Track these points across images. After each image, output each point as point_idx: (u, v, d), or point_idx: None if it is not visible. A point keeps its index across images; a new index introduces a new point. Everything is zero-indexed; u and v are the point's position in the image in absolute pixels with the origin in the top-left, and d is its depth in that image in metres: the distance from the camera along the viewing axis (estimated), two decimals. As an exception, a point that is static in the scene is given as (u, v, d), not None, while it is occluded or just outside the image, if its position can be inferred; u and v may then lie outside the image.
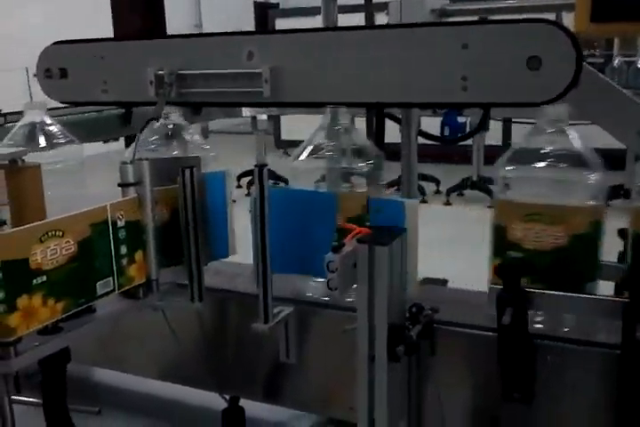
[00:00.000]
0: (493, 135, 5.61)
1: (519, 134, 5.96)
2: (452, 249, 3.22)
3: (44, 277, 1.11)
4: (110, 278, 1.27)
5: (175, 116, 1.67)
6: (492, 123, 5.27)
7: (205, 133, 5.10)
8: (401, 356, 1.13)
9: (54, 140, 1.75)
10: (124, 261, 1.30)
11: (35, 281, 1.09)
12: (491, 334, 1.21)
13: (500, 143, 6.12)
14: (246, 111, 4.86)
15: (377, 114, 1.52)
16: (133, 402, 1.76)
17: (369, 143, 1.53)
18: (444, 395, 1.24)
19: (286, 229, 1.34)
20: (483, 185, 5.13)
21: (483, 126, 1.46)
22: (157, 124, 1.63)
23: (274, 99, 1.39)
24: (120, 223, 1.29)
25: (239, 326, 1.47)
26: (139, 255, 1.34)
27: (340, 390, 1.43)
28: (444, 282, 1.53)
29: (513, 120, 5.38)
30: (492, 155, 5.81)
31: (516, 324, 1.12)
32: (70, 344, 1.25)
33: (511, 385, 1.19)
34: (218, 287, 1.53)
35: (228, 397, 1.59)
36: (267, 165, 1.25)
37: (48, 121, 1.78)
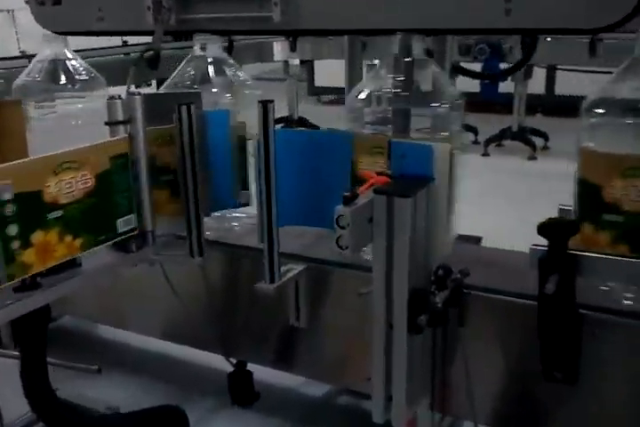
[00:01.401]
0: (536, 84, 5.31)
1: (564, 83, 5.66)
2: (487, 203, 3.01)
3: (60, 212, 1.02)
4: (132, 216, 1.17)
5: (214, 47, 1.47)
6: (535, 70, 4.99)
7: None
8: (423, 327, 0.97)
9: (77, 77, 1.59)
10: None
11: (50, 216, 1.01)
12: (530, 302, 1.04)
13: (542, 92, 5.81)
14: (278, 55, 4.69)
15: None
16: (135, 360, 1.64)
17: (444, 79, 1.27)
18: (474, 372, 1.07)
19: (296, 175, 1.17)
20: (523, 136, 4.87)
21: (528, 58, 1.24)
22: (197, 55, 1.46)
23: (285, 25, 1.20)
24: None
25: (246, 285, 1.32)
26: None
27: (356, 358, 1.27)
28: (477, 240, 1.35)
29: (558, 67, 5.06)
30: (534, 104, 5.49)
31: (562, 293, 0.94)
32: (50, 302, 1.11)
33: (553, 363, 1.02)
34: (223, 241, 1.37)
35: (234, 360, 1.45)
36: (272, 102, 1.07)
37: (69, 55, 1.62)
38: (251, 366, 1.47)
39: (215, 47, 1.46)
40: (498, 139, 4.92)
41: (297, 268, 1.23)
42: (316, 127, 5.48)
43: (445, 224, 1.03)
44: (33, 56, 2.41)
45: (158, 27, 1.31)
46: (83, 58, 1.65)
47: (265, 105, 1.07)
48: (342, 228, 0.91)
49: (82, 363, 1.60)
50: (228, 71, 1.48)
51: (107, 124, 1.17)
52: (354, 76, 1.30)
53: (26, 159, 1.00)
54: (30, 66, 1.62)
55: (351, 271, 1.22)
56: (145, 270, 1.30)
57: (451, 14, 1.07)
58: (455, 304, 1.04)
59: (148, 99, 1.19)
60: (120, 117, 1.16)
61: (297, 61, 5.00)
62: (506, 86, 5.70)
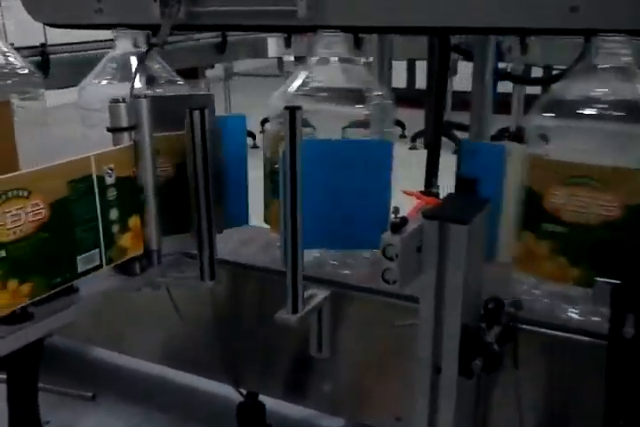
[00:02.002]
0: (533, 84, 5.21)
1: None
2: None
3: (3, 252, 0.84)
4: (96, 251, 0.98)
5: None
6: (532, 70, 4.89)
7: (229, 75, 4.75)
8: (477, 371, 0.84)
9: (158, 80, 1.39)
10: (115, 229, 1.01)
11: None
12: (590, 340, 0.91)
13: (540, 93, 5.71)
14: (272, 51, 4.56)
15: (441, 46, 1.18)
16: (133, 386, 1.50)
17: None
18: (526, 417, 0.95)
19: (322, 190, 1.03)
20: (522, 136, 4.76)
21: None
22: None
23: (310, 21, 1.07)
24: (109, 180, 0.99)
25: (261, 310, 1.18)
26: (134, 221, 1.05)
27: (384, 395, 1.15)
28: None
29: (555, 67, 4.96)
30: (531, 105, 5.44)
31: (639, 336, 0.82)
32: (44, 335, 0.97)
33: (618, 410, 0.89)
34: (234, 260, 1.24)
35: (244, 391, 1.32)
36: (300, 108, 0.94)
37: (3, 48, 1.39)
38: (262, 396, 1.33)
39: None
40: (495, 139, 4.81)
41: (321, 294, 1.09)
42: (310, 125, 5.36)
43: (511, 231, 0.91)
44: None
45: (165, 21, 1.17)
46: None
47: (293, 111, 0.93)
48: (390, 259, 0.78)
49: (74, 388, 1.47)
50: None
51: (109, 130, 1.03)
52: (383, 76, 1.17)
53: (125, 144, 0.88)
54: (102, 62, 1.41)
55: (381, 298, 1.09)
56: (148, 290, 1.17)
57: (501, 12, 0.95)
58: (506, 341, 0.91)
59: (155, 102, 1.05)
60: (124, 123, 1.03)
61: (292, 57, 4.88)
62: (503, 86, 5.62)
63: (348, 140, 1.04)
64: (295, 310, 1.02)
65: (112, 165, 0.99)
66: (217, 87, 4.41)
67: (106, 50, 1.34)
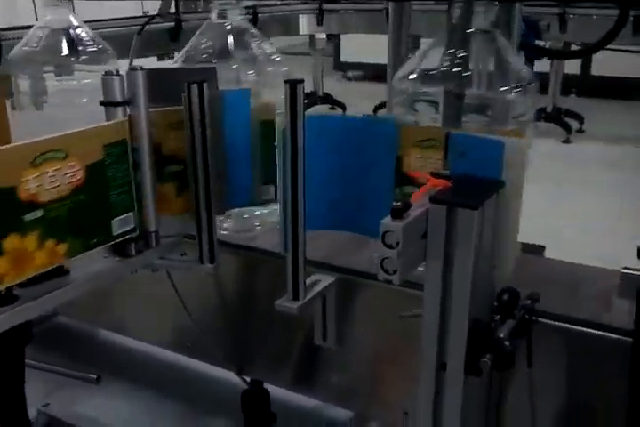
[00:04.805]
0: (571, 63, 5.06)
1: (602, 63, 5.37)
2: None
3: (40, 212, 0.85)
4: (130, 214, 0.99)
5: (235, 13, 1.25)
6: (571, 48, 4.74)
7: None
8: (485, 369, 0.77)
9: (83, 48, 1.40)
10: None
11: (27, 217, 0.84)
12: (616, 337, 0.84)
13: (578, 72, 5.54)
14: (304, 29, 4.49)
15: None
16: (139, 369, 1.46)
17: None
18: (540, 420, 0.88)
19: (327, 169, 0.96)
20: (558, 117, 4.63)
21: (616, 33, 1.02)
22: (213, 24, 1.24)
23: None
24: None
25: (266, 295, 1.13)
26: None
27: (389, 386, 1.08)
28: (539, 249, 1.14)
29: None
30: (568, 85, 5.29)
31: (667, 334, 0.74)
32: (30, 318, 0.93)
33: (641, 412, 0.82)
34: (239, 243, 1.18)
35: (248, 378, 1.27)
36: (302, 82, 0.87)
37: (75, 23, 1.41)
38: (267, 384, 1.28)
39: (236, 14, 1.25)
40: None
41: (325, 280, 1.03)
42: (340, 104, 5.26)
43: (515, 239, 0.83)
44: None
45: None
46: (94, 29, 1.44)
47: (293, 85, 0.86)
48: (390, 247, 0.71)
49: (80, 369, 1.43)
50: (252, 43, 1.27)
51: (102, 104, 0.97)
52: (399, 53, 1.09)
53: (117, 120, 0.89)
54: (28, 35, 1.41)
55: (389, 286, 1.02)
56: (150, 272, 1.12)
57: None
58: (521, 336, 0.84)
59: (152, 75, 0.99)
60: (118, 97, 0.97)
61: (323, 35, 4.80)
62: (540, 65, 5.45)
63: (353, 117, 0.96)
64: (296, 297, 0.96)
65: (106, 141, 0.94)
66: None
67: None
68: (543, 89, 4.85)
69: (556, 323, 0.88)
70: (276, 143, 0.94)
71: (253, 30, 1.27)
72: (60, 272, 0.95)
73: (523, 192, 0.83)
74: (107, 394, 1.39)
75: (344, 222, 1.00)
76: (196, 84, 0.97)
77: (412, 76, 0.98)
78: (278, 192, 0.94)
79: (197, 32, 1.25)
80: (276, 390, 1.27)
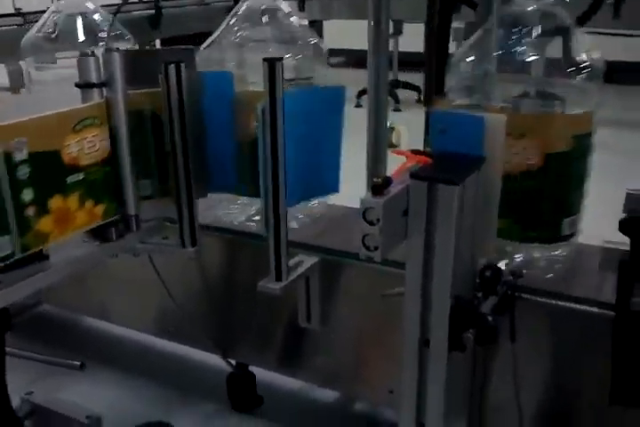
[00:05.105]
0: (552, 47, 5.04)
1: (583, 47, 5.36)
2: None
3: (81, 175, 0.91)
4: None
5: None
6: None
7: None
8: (469, 345, 0.77)
9: (100, 34, 1.33)
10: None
11: (69, 179, 0.89)
12: (599, 311, 0.84)
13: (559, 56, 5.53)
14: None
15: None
16: (123, 355, 1.46)
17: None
18: (524, 394, 0.88)
19: (296, 142, 0.96)
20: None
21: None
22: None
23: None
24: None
25: (249, 278, 1.12)
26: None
27: (375, 365, 1.09)
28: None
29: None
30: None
31: (648, 306, 0.74)
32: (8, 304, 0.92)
33: (624, 386, 0.83)
34: (222, 226, 1.17)
35: (233, 362, 1.27)
36: (281, 59, 0.86)
37: (91, 7, 1.35)
38: (253, 367, 1.28)
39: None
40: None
41: (308, 260, 1.03)
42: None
43: (496, 214, 0.83)
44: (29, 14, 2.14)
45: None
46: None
47: (272, 63, 0.85)
48: (371, 224, 0.71)
49: (63, 357, 1.42)
50: (284, 20, 1.21)
51: (77, 86, 0.96)
52: (379, 38, 1.07)
53: (41, 114, 0.86)
54: (42, 19, 1.32)
55: (371, 266, 1.02)
56: (132, 257, 1.11)
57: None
58: (503, 312, 0.84)
59: (128, 56, 0.98)
60: (94, 79, 0.95)
61: (305, 22, 4.75)
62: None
63: (302, 88, 0.97)
64: (279, 278, 0.95)
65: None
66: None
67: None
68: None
69: (539, 298, 0.88)
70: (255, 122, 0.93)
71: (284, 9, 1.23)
72: (40, 257, 0.93)
73: (501, 171, 0.82)
74: (91, 381, 1.38)
75: (310, 191, 1.02)
76: (173, 65, 0.95)
77: (469, 59, 0.95)
78: (260, 173, 0.93)
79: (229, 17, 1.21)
80: (261, 373, 1.27)
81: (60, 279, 0.97)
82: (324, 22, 6.09)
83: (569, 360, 0.90)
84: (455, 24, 1.15)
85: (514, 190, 0.88)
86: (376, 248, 0.72)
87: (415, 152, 0.80)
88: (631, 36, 3.70)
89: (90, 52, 0.95)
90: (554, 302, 0.88)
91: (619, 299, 0.75)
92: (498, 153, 0.78)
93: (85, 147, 0.90)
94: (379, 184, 0.70)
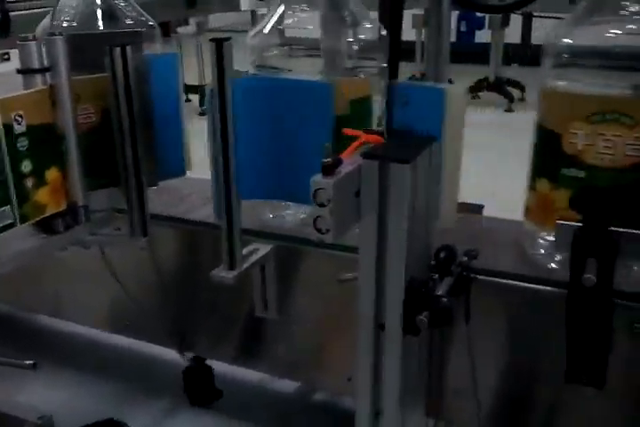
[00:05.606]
0: (512, 33, 5.10)
1: (540, 32, 5.39)
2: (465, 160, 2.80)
3: None
4: (6, 208, 0.89)
5: None
6: (511, 18, 4.78)
7: (202, 30, 4.55)
8: (423, 327, 0.76)
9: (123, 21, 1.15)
10: (29, 183, 0.91)
11: None
12: (552, 289, 0.84)
13: (518, 41, 5.57)
14: (245, 4, 4.37)
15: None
16: (76, 353, 1.42)
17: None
18: (481, 376, 0.88)
19: (259, 135, 0.93)
20: (501, 87, 4.66)
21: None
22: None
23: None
24: (19, 128, 0.89)
25: (203, 269, 1.10)
26: (52, 174, 0.95)
27: (334, 354, 1.07)
28: (478, 208, 1.13)
29: (535, 15, 4.84)
30: (509, 55, 5.27)
31: (600, 283, 0.74)
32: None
33: (580, 364, 0.83)
34: (173, 215, 1.14)
35: (190, 355, 1.24)
36: (229, 39, 0.84)
37: None
38: (210, 360, 1.26)
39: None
40: (474, 90, 4.70)
41: (263, 248, 1.01)
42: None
43: (452, 193, 0.82)
44: None
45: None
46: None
47: (219, 43, 0.83)
48: (321, 205, 0.69)
49: (14, 357, 1.37)
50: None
51: (19, 71, 0.92)
52: (333, 26, 1.06)
53: (37, 88, 0.91)
54: (59, 5, 1.16)
55: (328, 252, 1.01)
56: (82, 250, 1.08)
57: None
58: (459, 293, 0.83)
59: (72, 40, 0.95)
60: (36, 64, 0.92)
61: (265, 11, 4.69)
62: (481, 36, 5.46)
63: (286, 78, 0.94)
64: (232, 267, 0.93)
65: (22, 112, 0.89)
66: (189, 44, 4.26)
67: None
68: (485, 59, 4.89)
69: (494, 279, 0.88)
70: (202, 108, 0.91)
71: None
72: (-19, 250, 0.90)
73: (462, 144, 0.81)
74: (45, 380, 1.34)
75: (276, 191, 0.96)
76: (118, 48, 0.93)
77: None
78: (210, 158, 0.91)
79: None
80: (220, 366, 1.25)
81: (4, 273, 0.94)
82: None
83: (525, 340, 0.90)
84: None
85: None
86: (328, 231, 0.70)
87: (367, 131, 0.78)
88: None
89: (30, 36, 0.92)
90: (507, 281, 0.88)
91: (571, 275, 0.75)
92: (458, 126, 0.77)
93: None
94: (329, 164, 0.69)
